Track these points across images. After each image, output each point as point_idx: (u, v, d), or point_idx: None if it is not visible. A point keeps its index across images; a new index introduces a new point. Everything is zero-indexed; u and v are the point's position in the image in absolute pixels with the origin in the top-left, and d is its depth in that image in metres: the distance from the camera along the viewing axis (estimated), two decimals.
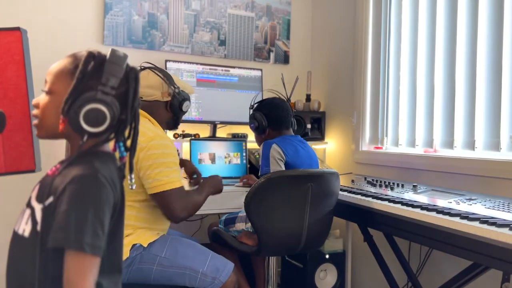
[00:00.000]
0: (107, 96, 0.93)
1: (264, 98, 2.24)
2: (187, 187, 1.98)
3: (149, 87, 1.78)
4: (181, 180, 1.66)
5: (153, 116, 1.79)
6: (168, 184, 1.59)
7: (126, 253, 1.59)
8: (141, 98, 1.83)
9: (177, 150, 1.80)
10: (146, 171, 1.59)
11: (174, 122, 1.89)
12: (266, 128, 2.13)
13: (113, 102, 0.93)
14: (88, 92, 0.92)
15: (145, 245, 1.62)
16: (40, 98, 0.99)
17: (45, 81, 0.99)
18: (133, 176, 1.01)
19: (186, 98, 1.83)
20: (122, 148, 1.00)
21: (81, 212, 0.85)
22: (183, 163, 2.06)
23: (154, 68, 1.82)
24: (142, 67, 1.82)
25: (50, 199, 0.90)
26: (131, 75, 0.98)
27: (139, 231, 1.66)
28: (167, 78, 1.81)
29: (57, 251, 0.85)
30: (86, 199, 0.87)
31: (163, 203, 1.61)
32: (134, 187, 1.01)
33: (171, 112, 1.82)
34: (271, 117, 2.13)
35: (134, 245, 1.61)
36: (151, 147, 1.60)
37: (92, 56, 0.96)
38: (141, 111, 1.74)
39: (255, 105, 2.22)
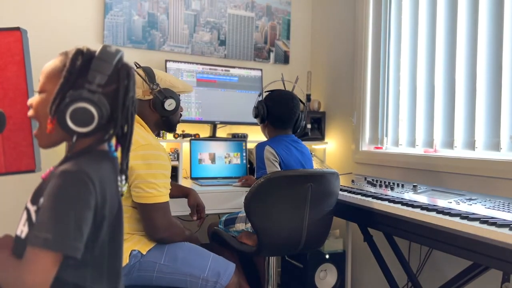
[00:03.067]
0: (94, 95, 0.89)
1: (278, 89, 2.12)
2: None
3: None
4: (167, 195, 1.61)
5: (142, 118, 1.73)
6: (154, 198, 1.55)
7: (125, 259, 1.55)
8: None
9: (170, 161, 1.72)
10: (136, 179, 1.55)
11: (164, 123, 1.79)
12: (265, 120, 2.07)
13: (101, 101, 0.90)
14: (75, 91, 0.89)
15: (144, 252, 1.58)
16: (34, 98, 0.97)
17: (39, 81, 0.98)
18: (123, 177, 0.98)
19: (169, 96, 1.71)
20: (113, 149, 0.98)
21: (52, 208, 0.83)
22: (187, 191, 1.94)
23: (137, 67, 1.76)
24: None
25: (42, 200, 0.89)
26: (122, 72, 0.94)
27: (136, 237, 1.62)
28: (148, 75, 1.71)
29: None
30: (62, 196, 0.84)
31: (146, 216, 1.58)
32: (124, 189, 0.97)
33: (156, 111, 1.72)
34: (272, 112, 2.04)
35: (132, 251, 1.58)
36: (143, 156, 1.55)
37: (80, 53, 0.93)
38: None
39: (264, 93, 2.13)
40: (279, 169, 1.94)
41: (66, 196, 0.84)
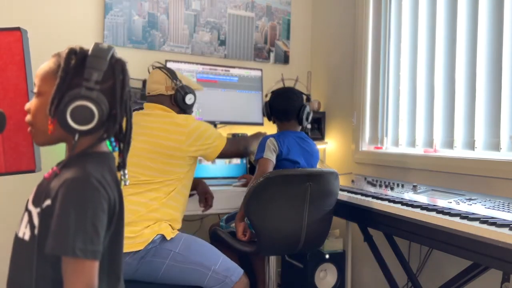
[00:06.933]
0: (92, 92, 0.90)
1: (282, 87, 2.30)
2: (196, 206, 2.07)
3: (154, 82, 1.89)
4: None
5: None
6: (219, 146, 1.87)
7: (147, 241, 1.64)
8: (149, 93, 1.93)
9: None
10: (200, 147, 1.80)
11: None
12: (271, 116, 2.21)
13: (100, 97, 0.91)
14: (73, 90, 0.90)
15: (168, 238, 1.68)
16: (31, 102, 0.97)
17: (34, 84, 0.98)
18: (126, 172, 0.99)
19: (189, 91, 1.89)
20: (114, 144, 0.99)
21: (73, 217, 0.83)
22: (197, 182, 2.05)
23: (160, 67, 1.94)
24: (153, 67, 1.96)
25: (48, 201, 0.89)
26: (117, 67, 0.95)
27: (165, 224, 1.71)
28: (171, 74, 1.90)
29: (54, 255, 0.85)
30: (77, 204, 0.85)
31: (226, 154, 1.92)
32: (127, 183, 0.99)
33: (176, 105, 1.89)
34: (274, 107, 2.19)
35: (157, 235, 1.66)
36: (193, 130, 1.80)
37: (73, 52, 0.94)
38: (155, 104, 1.88)
39: (270, 93, 2.30)
40: (274, 159, 2.00)
41: (82, 203, 0.85)
